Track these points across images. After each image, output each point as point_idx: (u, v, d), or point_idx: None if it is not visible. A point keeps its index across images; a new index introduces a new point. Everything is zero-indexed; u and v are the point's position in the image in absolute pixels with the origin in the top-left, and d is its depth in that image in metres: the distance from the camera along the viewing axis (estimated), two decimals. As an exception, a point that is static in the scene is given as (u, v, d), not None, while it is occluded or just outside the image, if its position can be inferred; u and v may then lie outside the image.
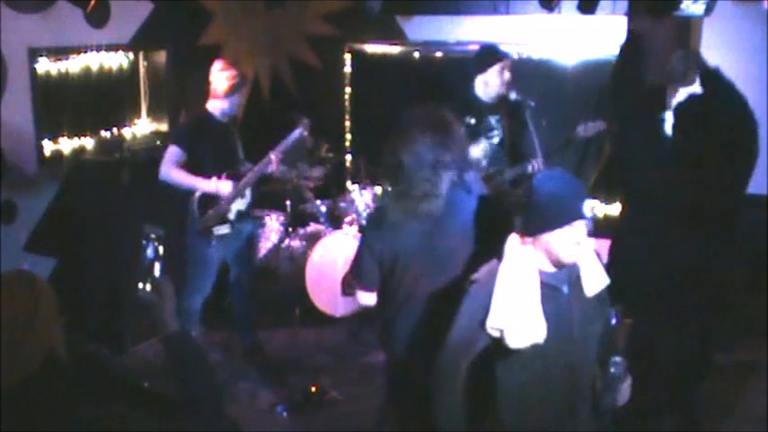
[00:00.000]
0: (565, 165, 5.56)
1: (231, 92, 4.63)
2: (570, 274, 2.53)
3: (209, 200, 4.62)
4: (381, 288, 3.05)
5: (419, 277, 2.95)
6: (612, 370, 2.48)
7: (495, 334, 2.46)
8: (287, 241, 5.73)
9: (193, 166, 4.60)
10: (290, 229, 5.81)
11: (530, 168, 4.63)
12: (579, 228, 2.44)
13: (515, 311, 2.43)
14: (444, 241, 2.91)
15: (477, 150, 4.56)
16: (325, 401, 4.56)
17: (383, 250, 2.97)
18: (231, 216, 4.69)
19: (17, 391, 1.82)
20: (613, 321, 2.54)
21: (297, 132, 4.76)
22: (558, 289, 2.50)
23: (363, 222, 5.50)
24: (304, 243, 5.67)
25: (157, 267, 2.07)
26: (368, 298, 3.09)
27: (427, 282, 2.94)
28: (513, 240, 2.53)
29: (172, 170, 4.55)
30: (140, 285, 2.07)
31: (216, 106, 4.66)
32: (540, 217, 2.46)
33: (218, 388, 2.15)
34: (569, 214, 2.43)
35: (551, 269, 2.51)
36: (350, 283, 3.45)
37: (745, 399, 4.51)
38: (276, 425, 4.42)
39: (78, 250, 5.19)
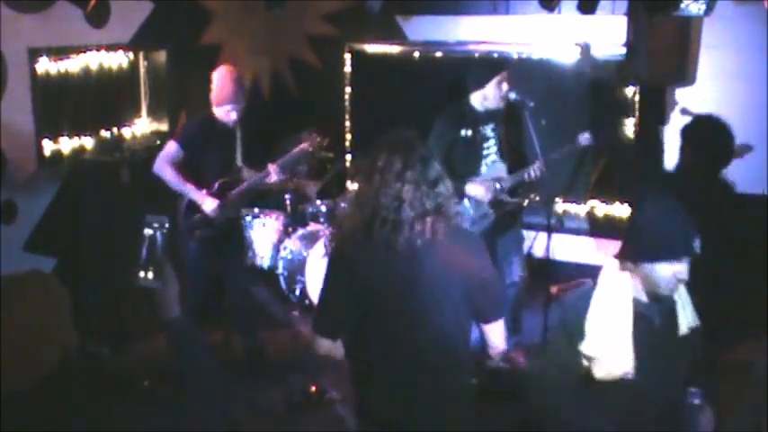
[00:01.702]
0: (564, 166, 5.57)
1: (233, 98, 4.63)
2: (664, 306, 2.49)
3: (197, 204, 4.64)
4: (352, 334, 2.68)
5: (394, 320, 2.58)
6: (690, 401, 2.40)
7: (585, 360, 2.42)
8: (287, 241, 5.73)
9: (191, 166, 4.62)
10: (290, 229, 5.81)
11: (526, 176, 4.65)
12: (685, 264, 2.41)
13: (608, 342, 2.39)
14: (419, 278, 2.55)
15: (478, 188, 4.60)
16: (325, 401, 4.56)
17: (353, 286, 2.60)
18: (217, 222, 4.71)
19: (33, 393, 1.82)
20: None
21: (301, 149, 4.85)
22: (651, 321, 2.46)
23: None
24: (304, 243, 5.67)
25: (160, 254, 2.08)
26: (329, 346, 2.67)
27: (404, 325, 2.58)
28: (610, 265, 2.49)
29: (166, 167, 4.58)
30: (142, 272, 2.07)
31: (219, 111, 4.67)
32: (653, 246, 2.41)
33: (219, 376, 2.15)
34: (682, 249, 2.40)
35: (645, 299, 2.47)
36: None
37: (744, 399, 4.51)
38: (276, 425, 4.42)
39: (78, 250, 5.18)
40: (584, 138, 4.76)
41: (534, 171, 4.61)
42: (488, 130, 4.68)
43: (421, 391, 2.61)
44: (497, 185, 4.68)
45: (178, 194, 4.66)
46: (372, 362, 2.67)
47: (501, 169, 4.74)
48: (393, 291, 2.57)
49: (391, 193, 2.51)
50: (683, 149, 3.83)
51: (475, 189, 4.59)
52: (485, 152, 4.69)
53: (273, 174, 4.74)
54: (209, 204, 4.62)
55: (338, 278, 2.65)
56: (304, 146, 4.91)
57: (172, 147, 4.61)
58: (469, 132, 4.62)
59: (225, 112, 4.65)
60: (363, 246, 2.57)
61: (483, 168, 4.69)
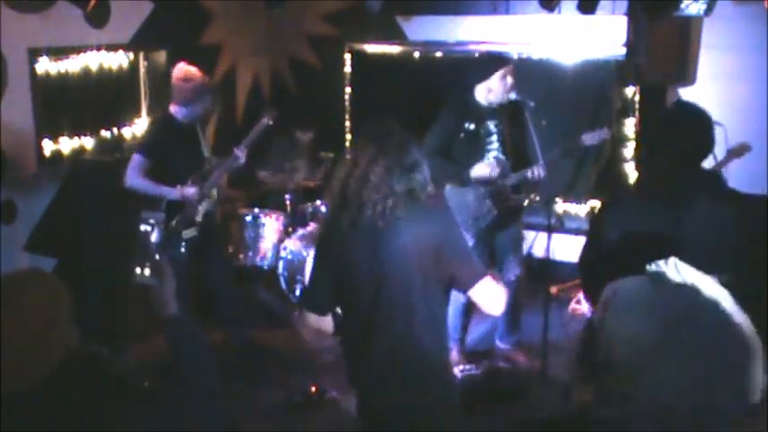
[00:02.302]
0: (564, 166, 5.57)
1: (193, 100, 4.63)
2: None
3: (177, 205, 4.65)
4: (341, 314, 2.82)
5: (378, 302, 2.66)
6: None
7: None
8: (287, 241, 5.73)
9: (160, 170, 4.62)
10: (290, 229, 5.81)
11: (529, 174, 4.64)
12: None
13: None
14: (399, 261, 2.63)
15: (483, 167, 4.59)
16: (325, 401, 4.56)
17: (330, 265, 2.75)
18: (199, 218, 4.72)
19: (33, 393, 1.82)
20: None
21: (261, 123, 4.86)
22: None
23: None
24: (304, 243, 5.67)
25: (155, 250, 2.08)
26: (320, 322, 2.88)
27: (387, 306, 2.66)
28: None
29: (136, 178, 4.57)
30: (138, 269, 2.07)
31: (178, 110, 4.67)
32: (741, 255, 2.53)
33: (219, 376, 2.16)
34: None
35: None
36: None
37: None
38: (276, 425, 4.42)
39: (78, 250, 5.19)
40: (588, 137, 4.73)
41: (537, 171, 4.59)
42: (492, 125, 4.67)
43: (397, 373, 2.68)
44: (502, 165, 4.66)
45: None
46: (353, 343, 2.80)
47: (505, 167, 4.73)
48: (363, 270, 2.67)
49: (360, 176, 2.62)
50: (662, 142, 3.72)
51: (480, 169, 4.58)
52: (487, 147, 4.68)
53: (241, 156, 4.77)
54: (188, 191, 4.62)
55: (319, 258, 2.85)
56: (264, 120, 4.90)
57: (137, 159, 4.59)
58: (473, 126, 4.60)
59: (185, 112, 4.65)
60: (337, 227, 2.69)
61: None
